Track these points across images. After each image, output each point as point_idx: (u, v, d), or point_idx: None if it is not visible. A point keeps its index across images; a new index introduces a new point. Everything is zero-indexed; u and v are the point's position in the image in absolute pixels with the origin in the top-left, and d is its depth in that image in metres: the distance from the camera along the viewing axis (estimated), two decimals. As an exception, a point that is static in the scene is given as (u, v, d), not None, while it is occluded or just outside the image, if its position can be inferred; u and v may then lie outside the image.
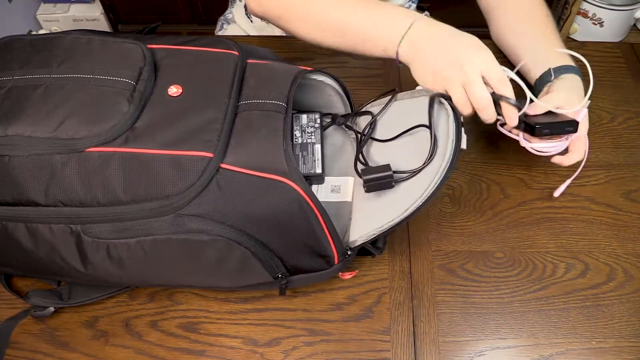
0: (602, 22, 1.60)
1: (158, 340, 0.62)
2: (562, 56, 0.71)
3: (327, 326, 0.63)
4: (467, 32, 0.61)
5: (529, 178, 0.75)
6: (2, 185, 0.53)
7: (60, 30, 0.81)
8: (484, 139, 0.79)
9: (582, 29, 1.65)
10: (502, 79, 0.58)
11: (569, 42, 0.89)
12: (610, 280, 0.66)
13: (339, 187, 0.70)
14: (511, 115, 0.59)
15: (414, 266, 0.67)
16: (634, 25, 1.68)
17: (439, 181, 0.56)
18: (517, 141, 0.80)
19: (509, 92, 0.59)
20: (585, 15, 1.61)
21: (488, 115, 0.59)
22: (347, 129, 0.74)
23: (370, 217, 0.61)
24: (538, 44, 0.75)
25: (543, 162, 0.75)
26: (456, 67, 0.58)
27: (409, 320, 0.64)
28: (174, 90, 0.57)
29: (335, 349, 0.62)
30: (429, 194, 0.56)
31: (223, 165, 0.53)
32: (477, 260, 0.67)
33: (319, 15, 0.66)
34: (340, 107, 0.73)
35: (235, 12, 1.06)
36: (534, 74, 0.73)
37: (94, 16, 1.78)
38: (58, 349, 0.62)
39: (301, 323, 0.63)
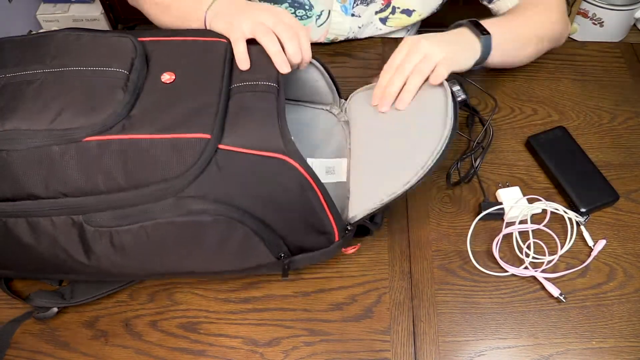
0: (602, 22, 1.60)
1: (158, 340, 0.62)
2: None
3: (327, 326, 0.63)
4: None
5: (529, 178, 0.75)
6: (2, 181, 0.53)
7: (58, 30, 0.82)
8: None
9: (582, 29, 1.65)
10: (293, 30, 0.67)
11: (569, 42, 0.89)
12: (610, 280, 0.66)
13: (333, 169, 0.71)
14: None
15: (414, 266, 0.67)
16: (634, 25, 1.68)
17: (442, 149, 0.58)
18: (517, 141, 0.80)
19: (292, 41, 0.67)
20: (585, 15, 1.61)
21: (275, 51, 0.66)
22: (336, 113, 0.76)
23: (370, 190, 0.62)
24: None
25: (543, 162, 0.75)
26: (247, 19, 0.65)
27: (409, 320, 0.64)
28: (167, 77, 0.58)
29: (335, 349, 0.62)
30: (432, 164, 0.58)
31: (221, 146, 0.53)
32: (477, 260, 0.67)
33: None
34: (326, 92, 0.74)
35: None
36: None
37: (94, 16, 1.77)
38: (58, 349, 0.62)
39: (301, 323, 0.63)
